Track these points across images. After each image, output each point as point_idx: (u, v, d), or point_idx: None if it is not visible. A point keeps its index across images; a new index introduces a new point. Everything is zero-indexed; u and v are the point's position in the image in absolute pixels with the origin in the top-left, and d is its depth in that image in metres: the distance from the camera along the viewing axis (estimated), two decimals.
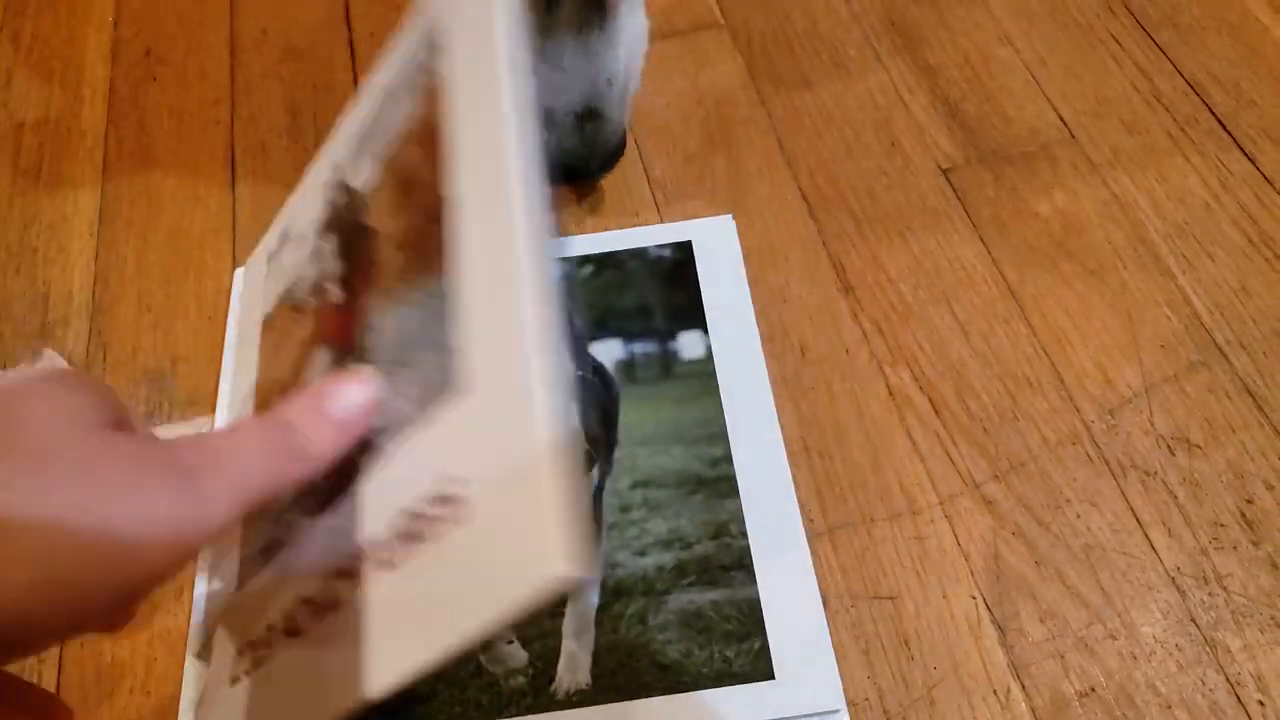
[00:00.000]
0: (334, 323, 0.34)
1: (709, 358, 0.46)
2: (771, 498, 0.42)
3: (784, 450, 0.43)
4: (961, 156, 0.53)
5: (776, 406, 0.45)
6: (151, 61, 0.60)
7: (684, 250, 0.49)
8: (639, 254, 0.49)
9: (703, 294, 0.48)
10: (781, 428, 0.44)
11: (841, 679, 0.38)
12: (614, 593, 0.40)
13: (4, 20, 0.63)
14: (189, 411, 0.46)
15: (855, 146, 0.54)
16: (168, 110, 0.58)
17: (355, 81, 0.58)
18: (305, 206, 0.41)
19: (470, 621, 0.23)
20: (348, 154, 0.38)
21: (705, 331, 0.46)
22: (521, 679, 0.38)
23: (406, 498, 0.27)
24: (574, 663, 0.38)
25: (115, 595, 0.23)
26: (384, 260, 0.33)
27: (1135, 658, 0.39)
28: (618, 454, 0.43)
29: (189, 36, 0.61)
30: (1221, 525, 0.41)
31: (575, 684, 0.38)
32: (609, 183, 0.53)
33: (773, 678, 0.38)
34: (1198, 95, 0.54)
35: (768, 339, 0.47)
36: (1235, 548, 0.41)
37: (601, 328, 0.47)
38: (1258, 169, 0.51)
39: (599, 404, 0.46)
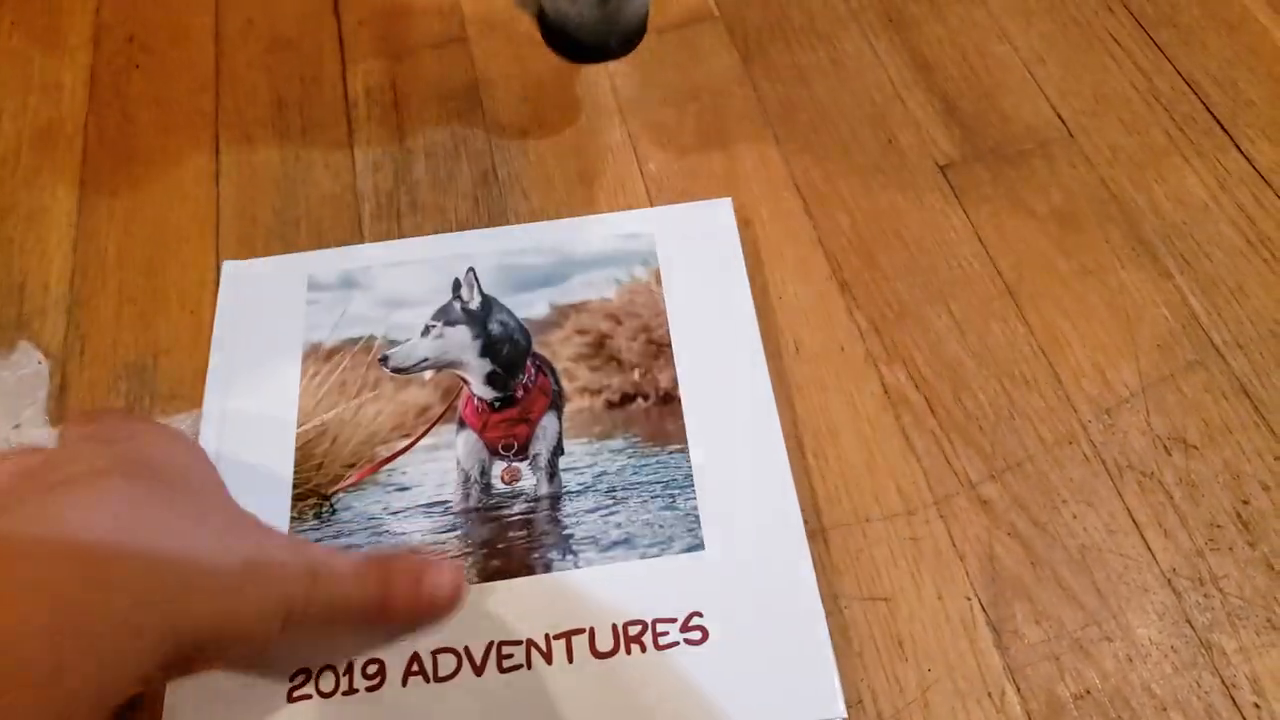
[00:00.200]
0: (492, 423, 0.44)
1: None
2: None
3: (784, 448, 0.42)
4: (959, 154, 0.52)
5: None
6: (134, 49, 0.59)
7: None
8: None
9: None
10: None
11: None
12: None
13: None
14: (170, 406, 0.46)
15: (851, 143, 0.53)
16: (150, 99, 0.57)
17: (344, 73, 0.57)
18: (405, 277, 0.48)
19: None
20: (494, 272, 0.48)
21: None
22: None
23: (633, 608, 0.38)
24: None
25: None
26: (570, 394, 0.44)
27: (1131, 660, 0.38)
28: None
29: (173, 24, 0.60)
30: (1218, 526, 0.41)
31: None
32: (602, 176, 0.52)
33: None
34: (1196, 95, 0.54)
35: (762, 336, 0.46)
36: (1231, 549, 0.41)
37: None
38: (1255, 169, 0.51)
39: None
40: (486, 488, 0.42)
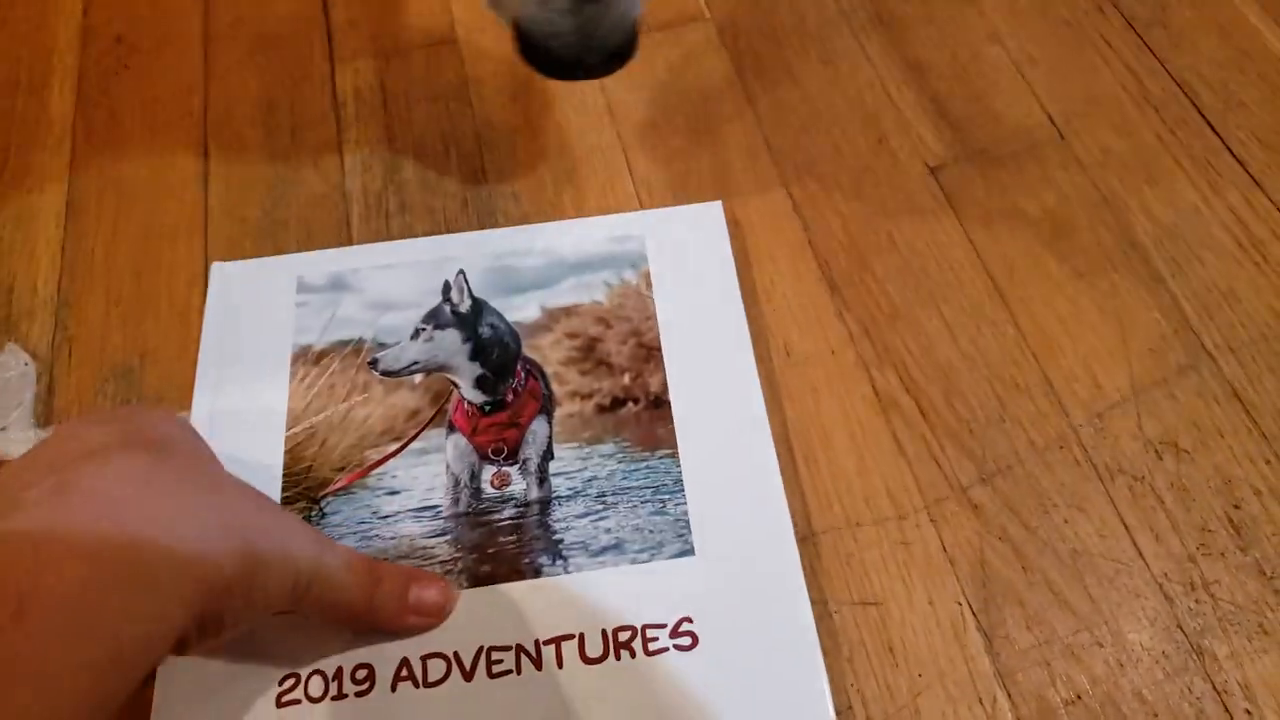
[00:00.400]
0: (482, 427, 0.43)
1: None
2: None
3: (774, 453, 0.42)
4: (949, 155, 0.52)
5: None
6: (122, 49, 0.59)
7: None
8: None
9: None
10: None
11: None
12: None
13: None
14: (157, 408, 0.45)
15: (842, 144, 0.53)
16: (139, 100, 0.57)
17: (332, 73, 0.57)
18: (394, 280, 0.48)
19: None
20: (484, 274, 0.47)
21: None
22: None
23: (623, 614, 0.38)
24: None
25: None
26: (560, 398, 0.44)
27: (1122, 665, 0.38)
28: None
29: (161, 24, 0.60)
30: (1209, 531, 0.41)
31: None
32: (592, 177, 0.52)
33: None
34: (1187, 96, 0.54)
35: (752, 339, 0.46)
36: (1223, 554, 0.40)
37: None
38: (1247, 171, 0.51)
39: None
40: (476, 492, 0.42)
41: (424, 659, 0.38)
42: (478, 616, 0.39)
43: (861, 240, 0.49)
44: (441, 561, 0.40)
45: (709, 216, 0.49)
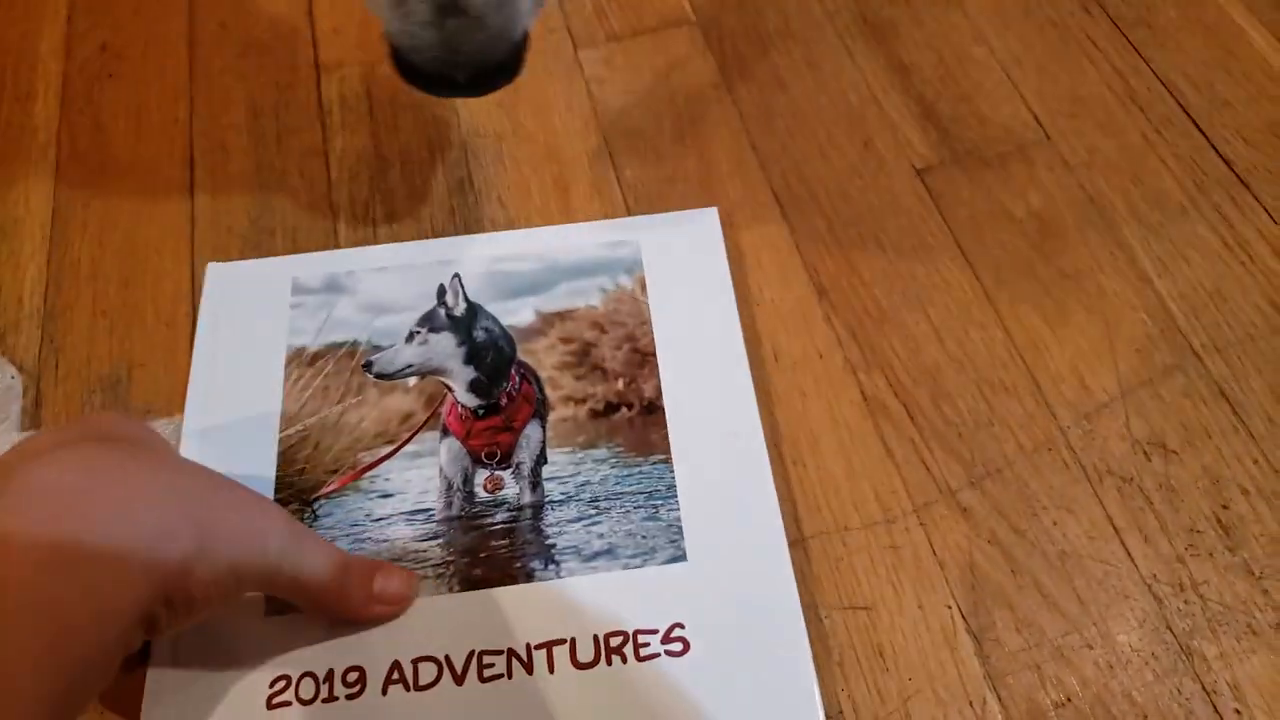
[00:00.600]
0: (475, 431, 0.43)
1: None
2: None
3: (767, 460, 0.42)
4: (936, 157, 0.52)
5: None
6: (107, 57, 0.59)
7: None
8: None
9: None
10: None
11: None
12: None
13: None
14: (145, 420, 0.45)
15: (828, 147, 0.53)
16: (124, 107, 0.56)
17: (318, 80, 0.57)
18: (389, 282, 0.47)
19: None
20: (479, 278, 0.47)
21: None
22: None
23: (615, 619, 0.38)
24: None
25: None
26: (554, 403, 0.44)
27: (1111, 667, 0.38)
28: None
29: (146, 31, 0.60)
30: (1198, 531, 0.41)
31: None
32: (579, 183, 0.52)
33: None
34: (1173, 96, 0.54)
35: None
36: (1211, 554, 0.40)
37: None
38: (1233, 171, 0.51)
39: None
40: (469, 496, 0.42)
41: (415, 662, 0.37)
42: (469, 620, 0.39)
43: (848, 242, 0.49)
44: (434, 565, 0.40)
45: (704, 222, 0.49)
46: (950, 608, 0.40)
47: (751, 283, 0.48)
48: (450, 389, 0.45)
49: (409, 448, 0.43)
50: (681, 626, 0.38)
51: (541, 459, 0.43)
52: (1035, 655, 0.39)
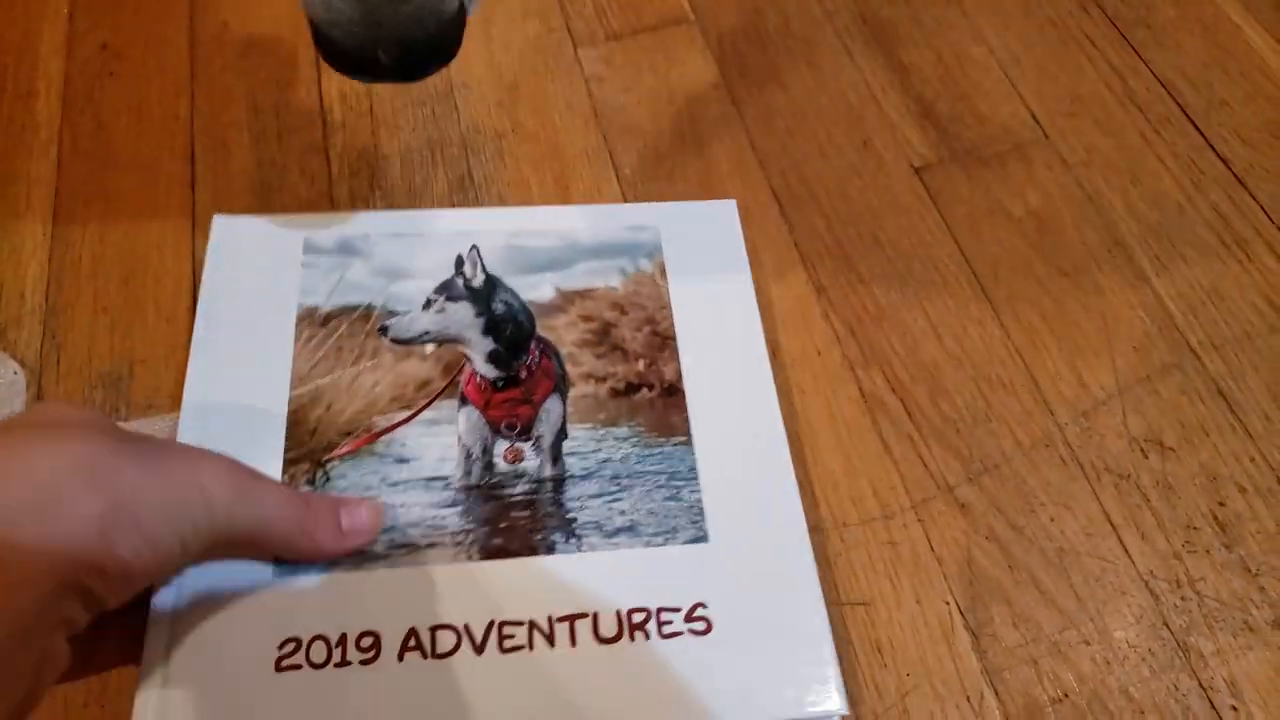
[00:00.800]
0: (495, 402, 0.43)
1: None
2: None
3: (787, 447, 0.42)
4: (934, 156, 0.52)
5: None
6: (108, 55, 0.59)
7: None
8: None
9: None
10: None
11: None
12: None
13: None
14: (146, 417, 0.45)
15: (827, 146, 0.53)
16: (125, 105, 0.56)
17: (319, 77, 0.57)
18: (405, 249, 0.47)
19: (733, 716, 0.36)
20: (502, 254, 0.47)
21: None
22: None
23: (637, 596, 0.38)
24: None
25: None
26: (574, 379, 0.44)
27: (1108, 663, 0.38)
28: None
29: (147, 29, 0.60)
30: (1194, 528, 0.41)
31: None
32: (578, 180, 0.52)
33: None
34: (1171, 95, 0.54)
35: None
36: (1208, 551, 0.41)
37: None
38: (1230, 170, 0.51)
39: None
40: (489, 466, 0.42)
41: (433, 630, 0.37)
42: (489, 589, 0.38)
43: (846, 240, 0.50)
44: (452, 532, 0.39)
45: (723, 212, 0.49)
46: (948, 603, 0.40)
47: (751, 280, 0.48)
48: (469, 358, 0.44)
49: (426, 414, 0.43)
50: (704, 606, 0.38)
51: (562, 433, 0.43)
52: (1032, 651, 0.39)
